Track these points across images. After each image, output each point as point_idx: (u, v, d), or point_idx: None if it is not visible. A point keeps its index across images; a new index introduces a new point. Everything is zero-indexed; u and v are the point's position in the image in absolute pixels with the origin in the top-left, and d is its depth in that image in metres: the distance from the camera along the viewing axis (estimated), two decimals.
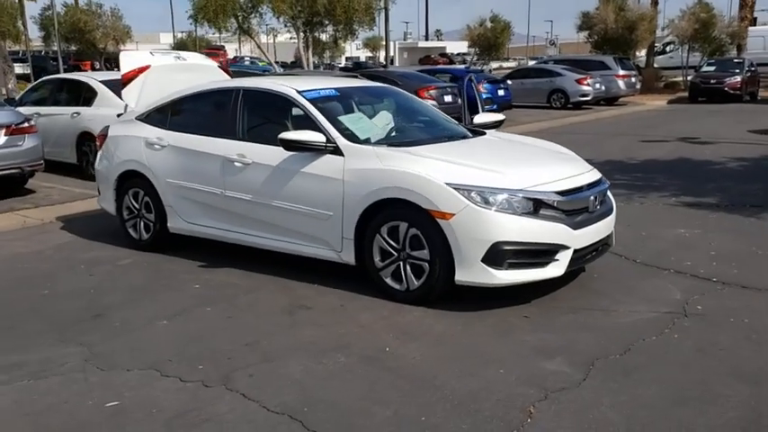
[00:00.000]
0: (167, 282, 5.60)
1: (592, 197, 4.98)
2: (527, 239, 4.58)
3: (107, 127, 7.03)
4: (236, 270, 5.78)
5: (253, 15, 19.82)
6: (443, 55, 66.71)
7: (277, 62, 30.52)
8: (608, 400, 3.46)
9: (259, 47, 21.65)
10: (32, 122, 9.35)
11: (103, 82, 10.70)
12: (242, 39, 46.34)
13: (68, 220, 7.97)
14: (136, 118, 6.66)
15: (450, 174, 4.70)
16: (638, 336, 4.25)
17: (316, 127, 5.29)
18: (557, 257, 4.68)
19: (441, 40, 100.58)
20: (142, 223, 6.55)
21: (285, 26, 21.30)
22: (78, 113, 10.64)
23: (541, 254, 4.66)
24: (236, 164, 5.66)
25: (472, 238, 4.54)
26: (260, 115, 5.88)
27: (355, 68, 32.62)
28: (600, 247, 5.11)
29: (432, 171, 4.73)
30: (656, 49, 33.61)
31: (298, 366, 3.95)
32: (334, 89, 5.90)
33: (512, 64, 35.76)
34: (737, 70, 25.08)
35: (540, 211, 4.65)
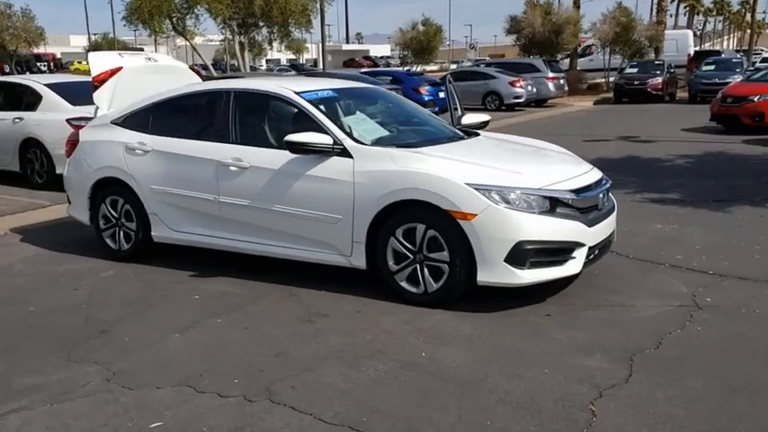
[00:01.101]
0: (163, 293, 5.34)
1: (600, 195, 5.06)
2: (547, 238, 4.60)
3: (76, 132, 6.66)
4: (232, 279, 5.58)
5: (188, 16, 19.29)
6: (367, 58, 67.06)
7: (199, 65, 29.79)
8: (662, 395, 3.51)
9: (194, 48, 21.07)
10: None
11: (48, 85, 10.16)
12: (158, 41, 45.00)
13: (26, 232, 7.51)
14: (111, 122, 6.34)
15: (468, 174, 4.67)
16: (663, 329, 4.33)
17: (319, 129, 5.16)
18: (573, 255, 4.72)
19: (361, 43, 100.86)
20: (121, 233, 6.23)
21: (220, 27, 20.83)
22: (21, 119, 10.06)
23: (560, 252, 4.69)
24: (232, 168, 5.45)
25: (495, 238, 4.52)
26: (256, 118, 5.68)
27: (293, 70, 32.23)
28: (606, 243, 5.20)
29: (450, 171, 4.68)
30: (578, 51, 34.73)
31: (337, 375, 3.83)
32: (332, 90, 5.78)
33: (434, 67, 36.23)
34: (659, 72, 26.19)
35: (557, 210, 4.68)
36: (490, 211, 4.53)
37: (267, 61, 66.31)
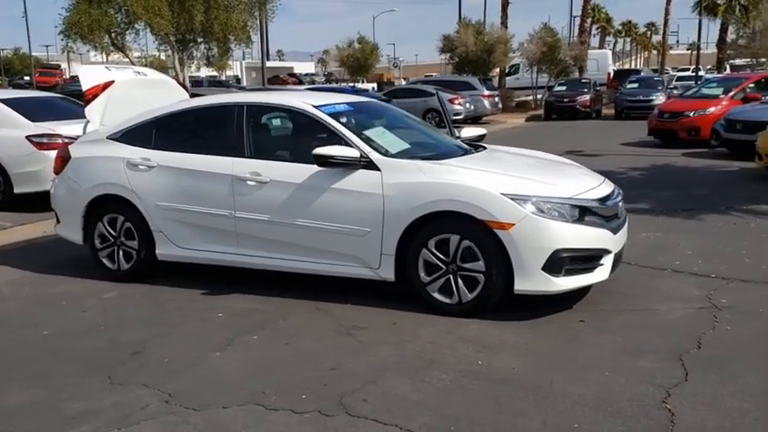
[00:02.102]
0: (182, 313, 5.17)
1: (619, 203, 5.25)
2: (581, 245, 4.74)
3: (66, 148, 6.39)
4: (249, 296, 5.46)
5: (128, 32, 18.78)
6: (292, 75, 66.74)
7: None
8: (725, 391, 3.66)
9: (133, 63, 20.48)
10: None
11: (5, 101, 9.68)
12: (70, 58, 43.56)
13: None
14: (108, 137, 6.11)
15: (503, 185, 4.76)
16: (696, 331, 4.52)
17: (343, 142, 5.15)
18: (601, 262, 4.87)
19: (283, 60, 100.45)
20: (121, 252, 6.00)
21: (157, 44, 20.36)
22: None
23: (590, 259, 4.82)
24: (250, 183, 5.36)
25: (533, 247, 4.62)
26: (273, 132, 5.62)
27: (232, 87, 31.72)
28: (622, 251, 5.38)
29: (485, 183, 4.76)
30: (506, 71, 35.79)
31: (404, 386, 3.81)
32: (347, 104, 5.78)
33: (366, 85, 36.70)
34: (586, 90, 27.26)
35: (585, 218, 4.82)
36: (528, 220, 4.62)
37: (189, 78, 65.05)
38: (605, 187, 5.25)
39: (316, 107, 5.44)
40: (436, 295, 4.93)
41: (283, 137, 5.63)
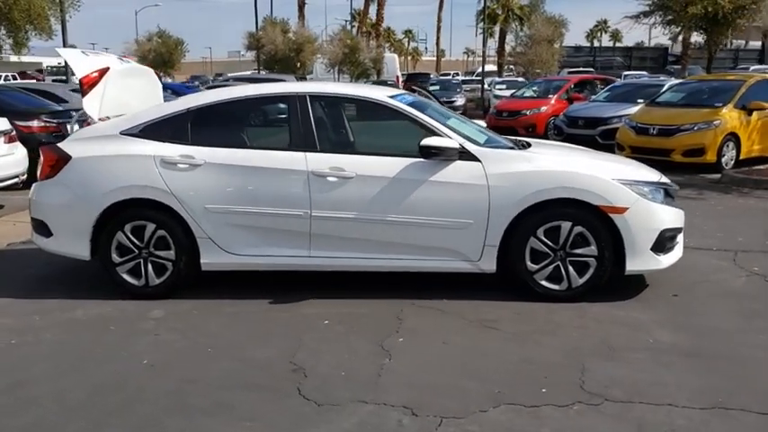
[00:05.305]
0: (281, 323, 4.65)
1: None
2: (675, 225, 5.10)
3: (57, 147, 5.35)
4: (323, 300, 5.05)
5: None
6: (40, 71, 60.31)
7: None
8: None
9: None
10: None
11: None
12: None
13: None
14: (122, 132, 5.25)
15: (610, 171, 4.97)
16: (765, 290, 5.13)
17: (435, 133, 4.99)
18: (677, 240, 5.29)
19: (33, 55, 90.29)
20: (150, 265, 5.19)
21: None
22: None
23: (675, 237, 5.21)
24: (330, 179, 4.96)
25: (645, 228, 4.88)
26: (345, 124, 5.24)
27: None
28: None
29: (595, 169, 4.93)
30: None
31: (623, 368, 3.86)
32: (407, 94, 5.57)
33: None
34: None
35: (667, 199, 5.20)
36: (639, 203, 4.88)
37: None
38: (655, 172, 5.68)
39: (391, 97, 5.20)
40: (545, 283, 4.98)
41: (360, 130, 5.28)
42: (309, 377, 3.82)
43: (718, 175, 10.59)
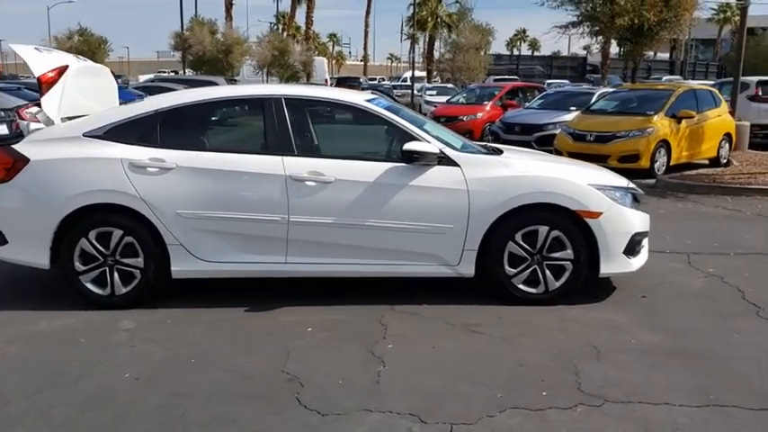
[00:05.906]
0: (264, 332, 4.52)
1: None
2: (643, 228, 5.27)
3: (12, 149, 5.04)
4: (301, 308, 4.95)
5: None
6: None
7: None
8: None
9: None
10: None
11: None
12: None
13: None
14: (85, 134, 5.00)
15: (585, 176, 5.08)
16: (736, 293, 5.36)
17: (413, 138, 4.98)
18: (644, 243, 5.46)
19: None
20: (116, 273, 4.96)
21: None
22: None
23: (642, 240, 5.37)
24: (309, 183, 4.87)
25: (618, 233, 5.01)
26: (323, 127, 5.15)
27: None
28: None
29: (570, 174, 5.03)
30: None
31: (616, 370, 3.94)
32: (382, 98, 5.53)
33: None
34: None
35: (634, 204, 5.36)
36: (613, 208, 5.01)
37: None
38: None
39: (368, 101, 5.16)
40: (522, 286, 5.04)
41: (337, 134, 5.20)
42: (306, 386, 3.72)
43: (653, 180, 11.00)
